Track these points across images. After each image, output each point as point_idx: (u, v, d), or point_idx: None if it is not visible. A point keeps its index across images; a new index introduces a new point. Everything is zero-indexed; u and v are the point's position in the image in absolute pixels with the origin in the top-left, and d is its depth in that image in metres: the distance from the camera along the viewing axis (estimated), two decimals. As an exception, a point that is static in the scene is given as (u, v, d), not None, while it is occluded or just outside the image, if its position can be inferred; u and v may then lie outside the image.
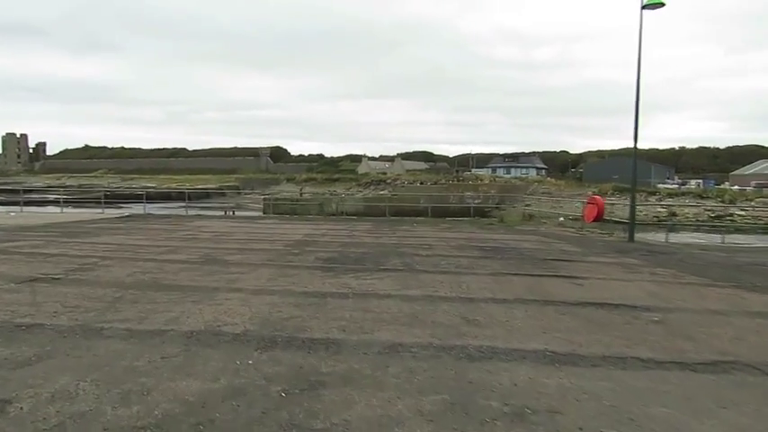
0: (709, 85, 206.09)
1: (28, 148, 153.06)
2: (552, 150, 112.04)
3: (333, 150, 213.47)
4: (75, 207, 42.19)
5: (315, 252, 11.17)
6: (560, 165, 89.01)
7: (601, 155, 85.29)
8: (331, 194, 60.93)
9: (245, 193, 74.31)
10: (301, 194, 51.62)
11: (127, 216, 22.54)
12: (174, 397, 3.57)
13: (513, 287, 7.67)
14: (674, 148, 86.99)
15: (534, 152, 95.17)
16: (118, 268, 8.53)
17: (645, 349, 4.85)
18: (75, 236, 13.52)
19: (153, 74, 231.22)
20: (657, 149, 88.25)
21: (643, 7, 13.86)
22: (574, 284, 8.00)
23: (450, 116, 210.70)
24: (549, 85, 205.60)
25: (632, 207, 15.64)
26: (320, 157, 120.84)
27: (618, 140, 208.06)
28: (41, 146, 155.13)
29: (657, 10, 14.26)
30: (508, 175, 77.07)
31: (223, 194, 68.23)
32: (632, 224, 15.36)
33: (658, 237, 18.65)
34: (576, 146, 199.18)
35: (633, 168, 15.83)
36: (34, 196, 50.19)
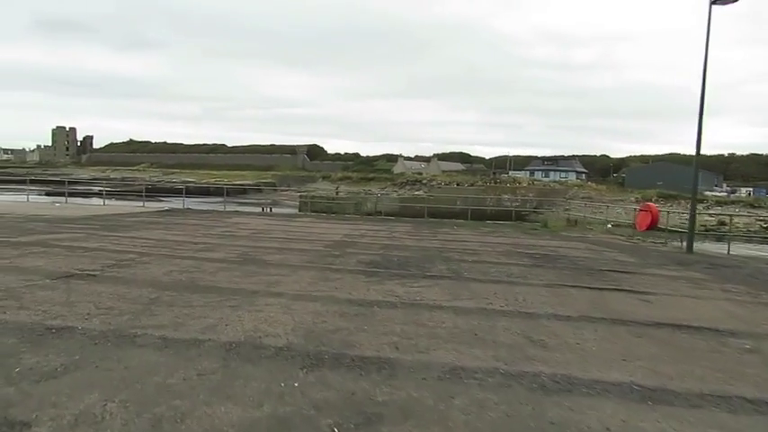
0: (760, 89, 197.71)
1: (76, 141, 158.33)
2: (591, 154, 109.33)
3: (367, 149, 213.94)
4: (117, 199, 43.08)
5: (356, 254, 10.68)
6: (600, 169, 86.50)
7: (644, 160, 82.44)
8: (366, 193, 60.69)
9: (281, 190, 74.88)
10: (337, 193, 51.38)
11: (166, 210, 22.58)
12: (210, 427, 3.09)
13: (574, 302, 6.99)
14: (722, 155, 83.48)
15: (574, 155, 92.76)
16: (155, 266, 8.20)
17: (748, 386, 4.16)
18: (115, 229, 13.39)
19: (193, 70, 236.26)
20: (705, 155, 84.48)
21: (713, 2, 12.86)
22: (641, 301, 7.27)
23: (486, 117, 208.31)
24: (589, 86, 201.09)
25: (692, 216, 14.61)
26: (356, 155, 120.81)
27: (660, 145, 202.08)
28: (88, 139, 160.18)
29: (723, 7, 13.22)
30: (547, 179, 75.45)
31: (260, 191, 68.91)
32: (692, 234, 14.35)
33: (717, 248, 17.50)
34: (616, 150, 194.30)
35: (695, 176, 14.76)
36: (79, 188, 51.62)
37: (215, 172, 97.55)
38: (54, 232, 12.15)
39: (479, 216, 28.50)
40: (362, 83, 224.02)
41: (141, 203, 24.99)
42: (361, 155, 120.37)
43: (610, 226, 22.12)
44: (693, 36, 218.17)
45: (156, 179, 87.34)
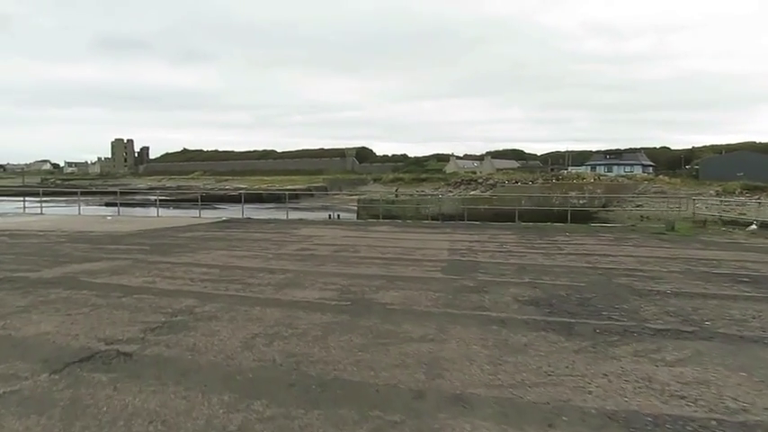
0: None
1: (134, 152, 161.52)
2: (651, 147, 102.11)
3: (415, 150, 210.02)
4: (173, 208, 41.25)
5: (497, 285, 7.34)
6: (667, 161, 79.89)
7: (716, 150, 75.44)
8: (420, 195, 57.26)
9: (333, 194, 72.36)
10: (396, 196, 48.16)
11: (224, 221, 19.88)
12: None
13: None
14: (806, 142, 75.35)
15: (639, 148, 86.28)
16: (226, 325, 5.09)
17: None
18: (167, 252, 10.52)
19: (242, 80, 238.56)
20: (784, 142, 76.79)
21: None
22: None
23: (535, 113, 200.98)
24: (643, 78, 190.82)
25: None
26: (404, 157, 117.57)
27: (724, 135, 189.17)
28: (145, 150, 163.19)
29: None
30: (611, 174, 70.08)
31: (311, 195, 66.44)
32: None
33: None
34: (676, 141, 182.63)
35: None
36: (137, 197, 50.33)
37: (266, 178, 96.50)
38: (92, 259, 9.33)
39: (546, 216, 24.75)
40: (408, 84, 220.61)
41: (197, 213, 22.43)
42: (409, 156, 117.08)
43: (755, 227, 17.97)
44: (750, 21, 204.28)
45: (209, 187, 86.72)
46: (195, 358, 4.10)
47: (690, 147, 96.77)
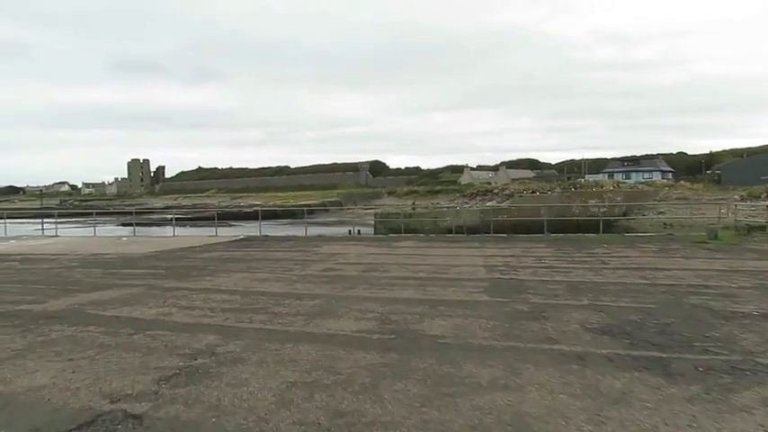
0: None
1: (150, 171, 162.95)
2: (667, 153, 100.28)
3: (427, 163, 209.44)
4: (190, 226, 40.78)
5: (553, 308, 6.44)
6: (686, 167, 78.02)
7: (736, 153, 73.61)
8: (437, 206, 56.23)
9: (348, 209, 71.70)
10: (414, 208, 47.27)
11: (242, 239, 19.17)
12: None
13: None
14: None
15: (658, 154, 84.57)
16: (254, 371, 4.24)
17: None
18: (184, 275, 9.75)
19: (255, 98, 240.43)
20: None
21: None
22: None
23: (546, 122, 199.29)
24: (654, 84, 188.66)
25: None
26: (417, 169, 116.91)
27: (745, 138, 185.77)
28: (161, 169, 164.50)
29: None
30: (629, 181, 68.71)
31: (326, 210, 65.76)
32: None
33: None
34: (693, 147, 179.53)
35: None
36: (153, 217, 50.01)
37: (280, 194, 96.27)
38: (103, 287, 8.59)
39: (572, 227, 23.80)
40: (418, 97, 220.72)
41: (213, 231, 21.77)
42: (422, 168, 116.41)
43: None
44: (758, 24, 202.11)
45: (224, 204, 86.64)
46: (221, 422, 3.26)
47: (708, 151, 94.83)
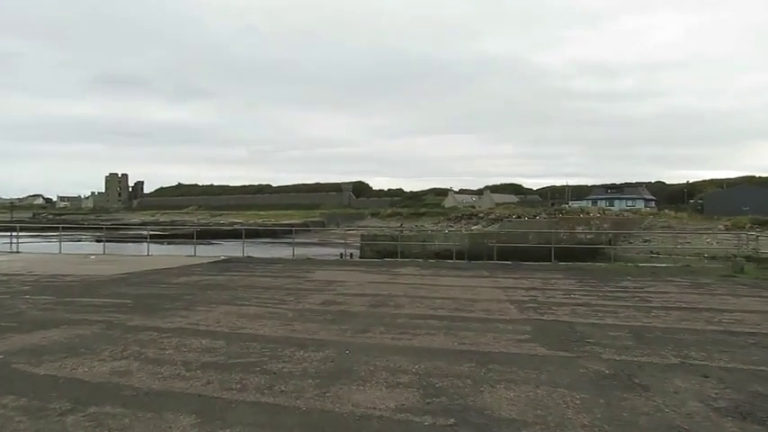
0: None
1: (128, 186, 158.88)
2: (645, 181, 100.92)
3: (410, 185, 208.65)
4: (166, 244, 38.45)
5: (640, 369, 4.86)
6: (667, 196, 78.23)
7: (716, 184, 74.14)
8: (420, 230, 54.73)
9: (332, 230, 69.80)
10: (401, 231, 45.67)
11: (223, 261, 17.29)
12: None
13: None
14: (805, 176, 74.09)
15: (641, 182, 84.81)
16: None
17: None
18: (155, 309, 7.92)
19: (238, 116, 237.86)
20: (785, 177, 75.23)
21: None
22: None
23: (527, 149, 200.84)
24: (632, 115, 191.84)
25: None
26: (400, 191, 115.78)
27: (717, 170, 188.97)
28: (139, 185, 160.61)
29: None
30: (613, 208, 68.39)
31: (308, 230, 63.61)
32: None
33: None
34: (672, 177, 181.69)
35: None
36: (130, 233, 47.40)
37: (262, 212, 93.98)
38: (48, 324, 6.72)
39: (569, 253, 22.72)
40: (402, 121, 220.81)
41: (191, 250, 19.83)
42: (405, 190, 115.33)
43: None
44: (730, 61, 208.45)
45: (204, 221, 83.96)
46: None
47: (685, 181, 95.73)
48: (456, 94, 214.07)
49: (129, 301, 8.52)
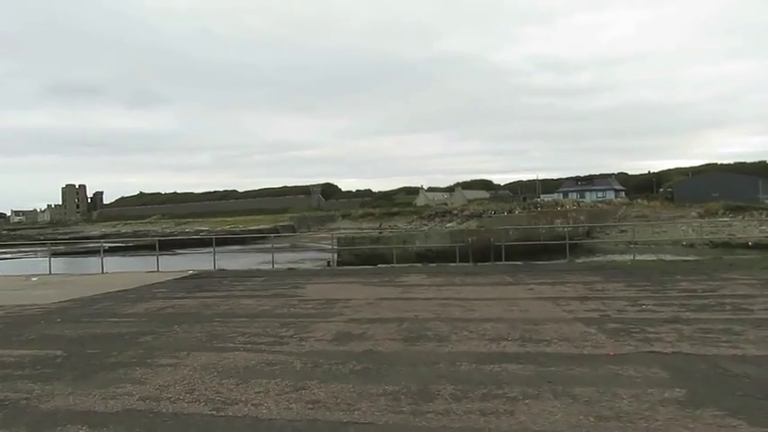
0: (761, 98, 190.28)
1: (86, 198, 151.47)
2: (607, 173, 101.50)
3: (378, 185, 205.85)
4: (129, 255, 34.94)
5: None
6: (635, 186, 78.43)
7: (681, 172, 74.59)
8: (393, 229, 52.50)
9: (301, 232, 66.82)
10: (381, 232, 43.24)
11: (191, 276, 14.57)
12: None
13: None
14: (764, 161, 75.22)
15: (611, 174, 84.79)
16: None
17: None
18: (92, 367, 5.28)
19: (199, 122, 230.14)
20: (744, 162, 76.50)
21: None
22: None
23: (492, 145, 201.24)
24: (591, 109, 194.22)
25: None
26: (369, 192, 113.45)
27: (676, 160, 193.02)
28: (99, 195, 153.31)
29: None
30: (585, 200, 67.74)
31: (283, 236, 60.38)
32: None
33: None
34: (633, 168, 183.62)
35: None
36: (90, 245, 43.43)
37: (228, 219, 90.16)
38: None
39: (534, 248, 21.66)
40: (368, 121, 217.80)
41: (154, 265, 16.96)
42: (374, 191, 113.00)
43: None
44: (682, 54, 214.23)
45: (168, 230, 79.57)
46: None
47: (647, 171, 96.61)
48: (420, 93, 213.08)
49: (58, 352, 5.88)
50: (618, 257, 26.00)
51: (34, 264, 24.86)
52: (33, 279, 15.74)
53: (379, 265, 15.90)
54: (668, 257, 18.46)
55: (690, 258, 15.21)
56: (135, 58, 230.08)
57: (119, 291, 11.65)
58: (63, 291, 12.15)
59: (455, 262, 15.82)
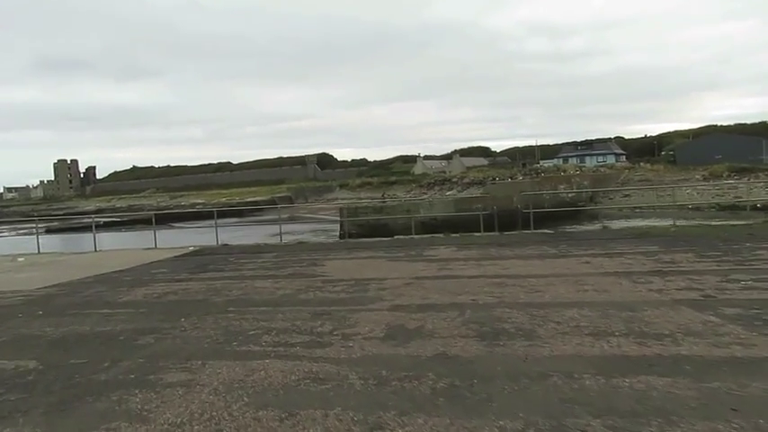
0: (756, 60, 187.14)
1: (79, 173, 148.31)
2: (604, 138, 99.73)
3: (373, 155, 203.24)
4: (123, 230, 33.36)
5: None
6: (634, 149, 76.90)
7: (683, 135, 73.01)
8: (392, 197, 50.98)
9: (299, 203, 65.10)
10: (384, 201, 41.71)
11: (193, 252, 13.17)
12: None
13: None
14: (765, 122, 73.40)
15: (610, 138, 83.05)
16: None
17: None
18: (74, 389, 3.90)
19: (192, 95, 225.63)
20: (744, 123, 74.83)
21: None
22: None
23: (486, 112, 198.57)
24: (585, 74, 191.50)
25: None
26: (364, 161, 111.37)
27: (670, 123, 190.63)
28: (91, 170, 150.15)
29: None
30: (584, 165, 66.30)
31: (289, 206, 58.57)
32: None
33: None
34: (628, 132, 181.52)
35: None
36: (85, 220, 41.71)
37: (224, 191, 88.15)
38: None
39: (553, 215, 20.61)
40: (361, 91, 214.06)
41: (151, 240, 15.50)
42: (369, 160, 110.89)
43: None
44: (675, 16, 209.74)
45: (164, 204, 77.70)
46: None
47: (643, 135, 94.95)
48: (413, 61, 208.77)
49: (32, 364, 4.46)
50: (638, 223, 24.84)
51: (26, 242, 23.28)
52: (20, 260, 14.25)
53: (396, 237, 14.50)
54: (695, 222, 17.23)
55: (738, 223, 13.87)
56: (123, 30, 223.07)
57: (113, 272, 10.22)
58: (50, 273, 10.71)
59: (462, 232, 14.43)
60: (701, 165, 52.23)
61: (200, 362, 4.24)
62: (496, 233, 14.12)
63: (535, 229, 14.28)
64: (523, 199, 28.26)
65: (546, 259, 8.98)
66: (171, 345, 4.81)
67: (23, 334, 5.58)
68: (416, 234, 16.72)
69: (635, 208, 39.03)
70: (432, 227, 22.18)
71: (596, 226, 18.71)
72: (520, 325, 4.90)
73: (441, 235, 14.09)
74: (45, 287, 8.81)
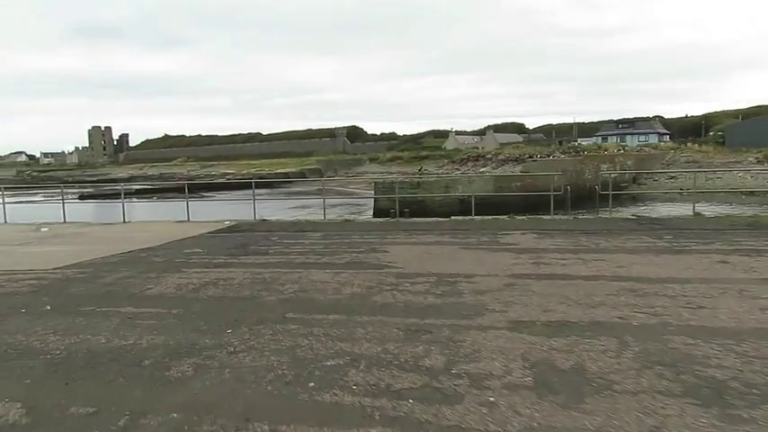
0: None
1: (112, 140, 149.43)
2: (643, 117, 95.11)
3: (402, 128, 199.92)
4: (155, 199, 32.36)
5: None
6: (679, 129, 72.79)
7: (732, 115, 68.68)
8: (423, 173, 48.98)
9: (329, 176, 63.45)
10: (421, 176, 39.85)
11: (228, 228, 11.72)
12: None
13: None
14: (823, 103, 68.09)
15: (653, 116, 78.96)
16: None
17: None
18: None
19: (222, 65, 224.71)
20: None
21: None
22: None
23: (518, 88, 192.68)
24: (622, 50, 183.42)
25: None
26: (393, 135, 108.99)
27: (712, 102, 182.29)
28: (124, 137, 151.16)
29: None
30: (626, 144, 62.97)
31: (332, 179, 57.06)
32: None
33: None
34: (669, 111, 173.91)
35: None
36: (118, 187, 40.96)
37: (254, 162, 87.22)
38: None
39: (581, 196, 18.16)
40: (391, 64, 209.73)
41: (183, 212, 14.17)
42: (398, 134, 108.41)
43: None
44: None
45: (195, 173, 77.26)
46: None
47: (684, 115, 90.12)
48: (443, 34, 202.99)
49: (15, 408, 2.97)
50: (682, 208, 22.57)
51: (54, 210, 22.31)
52: (43, 229, 13.04)
53: (453, 218, 12.82)
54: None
55: None
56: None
57: (141, 250, 8.83)
58: (73, 248, 9.40)
59: (503, 213, 12.63)
60: (754, 147, 48.73)
61: (266, 427, 2.67)
62: (568, 217, 12.31)
63: (572, 210, 12.45)
64: (562, 179, 26.07)
65: (662, 255, 7.20)
66: (218, 384, 3.26)
67: (18, 345, 4.12)
68: (459, 213, 15.11)
69: (681, 190, 36.48)
70: (476, 206, 20.45)
71: (641, 209, 16.64)
72: (736, 372, 3.20)
73: (505, 217, 12.33)
74: (63, 267, 7.44)
